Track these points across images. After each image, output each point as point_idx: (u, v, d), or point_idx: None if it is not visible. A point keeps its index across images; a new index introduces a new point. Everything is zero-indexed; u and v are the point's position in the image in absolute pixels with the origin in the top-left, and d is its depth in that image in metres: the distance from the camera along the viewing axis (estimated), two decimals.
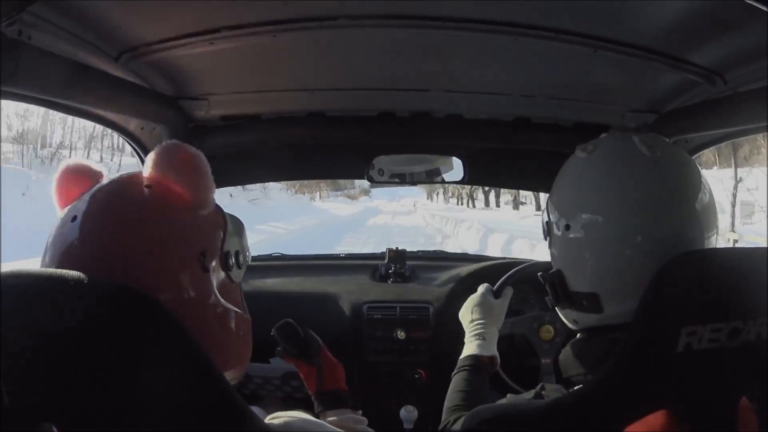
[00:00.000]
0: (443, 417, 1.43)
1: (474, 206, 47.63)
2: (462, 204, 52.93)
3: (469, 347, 1.57)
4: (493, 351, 1.57)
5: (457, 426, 1.33)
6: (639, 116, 1.93)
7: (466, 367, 1.52)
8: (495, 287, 1.75)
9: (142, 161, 1.92)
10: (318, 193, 53.37)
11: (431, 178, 2.47)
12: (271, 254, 2.83)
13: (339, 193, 62.79)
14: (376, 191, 60.66)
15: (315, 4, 1.35)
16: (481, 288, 1.72)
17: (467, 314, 1.66)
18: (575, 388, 1.03)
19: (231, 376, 0.95)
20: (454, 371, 1.53)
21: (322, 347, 1.55)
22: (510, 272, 1.85)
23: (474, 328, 1.61)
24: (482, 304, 1.66)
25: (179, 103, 1.86)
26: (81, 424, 0.68)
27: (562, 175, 1.15)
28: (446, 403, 1.46)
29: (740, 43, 1.37)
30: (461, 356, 1.56)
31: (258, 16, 1.39)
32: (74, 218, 0.84)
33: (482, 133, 2.15)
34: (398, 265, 2.55)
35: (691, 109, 1.71)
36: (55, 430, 0.72)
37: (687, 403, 0.87)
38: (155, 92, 1.74)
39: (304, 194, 45.52)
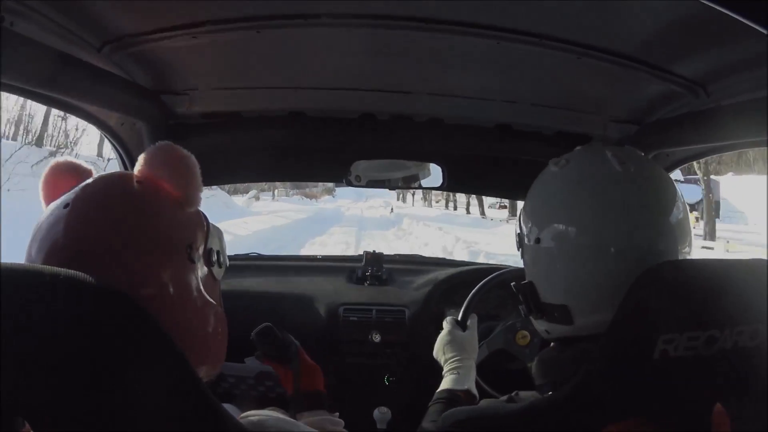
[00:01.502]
0: None
1: (483, 214, 31.61)
2: (453, 208, 39.90)
3: (445, 382, 1.59)
4: (468, 385, 1.58)
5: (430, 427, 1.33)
6: (621, 127, 1.94)
7: (441, 400, 1.52)
8: (459, 317, 1.77)
9: (122, 158, 1.91)
10: (274, 190, 47.75)
11: (409, 183, 2.48)
12: (248, 254, 2.82)
13: (296, 191, 53.89)
14: (342, 190, 47.99)
15: (299, 1, 1.36)
16: (447, 324, 1.73)
17: (440, 354, 1.68)
18: (548, 393, 1.03)
19: (206, 372, 0.96)
20: (430, 402, 1.54)
21: (299, 349, 1.56)
22: (468, 298, 1.86)
23: (450, 364, 1.63)
24: (452, 341, 1.67)
25: (161, 98, 1.85)
26: (52, 423, 0.68)
27: (535, 188, 1.16)
28: None
29: (723, 56, 1.38)
30: (438, 389, 1.58)
31: (242, 11, 1.39)
32: (66, 205, 0.85)
33: (463, 140, 2.15)
34: (375, 267, 2.56)
35: (673, 121, 1.72)
36: (27, 426, 0.71)
37: (663, 408, 0.88)
38: (137, 86, 1.73)
39: (232, 194, 32.04)
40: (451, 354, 1.65)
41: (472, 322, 1.75)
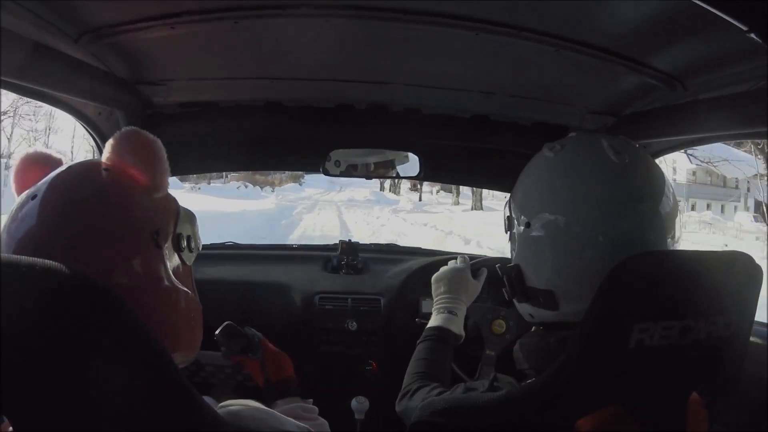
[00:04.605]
0: (405, 382, 1.43)
1: None
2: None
3: (439, 318, 1.58)
4: (461, 330, 1.58)
5: (417, 398, 1.33)
6: (598, 118, 1.96)
7: (433, 337, 1.52)
8: (471, 262, 1.77)
9: (99, 147, 1.90)
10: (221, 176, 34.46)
11: (387, 169, 2.48)
12: (224, 243, 2.81)
13: (237, 174, 34.25)
14: (312, 177, 39.66)
15: None
16: (463, 262, 1.72)
17: (441, 283, 1.67)
18: (527, 381, 1.04)
19: (181, 358, 0.96)
20: (420, 339, 1.54)
21: (262, 339, 1.57)
22: (485, 258, 1.88)
23: (445, 301, 1.62)
24: (460, 279, 1.66)
25: (138, 87, 1.84)
26: (32, 415, 0.68)
27: (527, 173, 1.16)
28: (409, 369, 1.47)
29: (702, 51, 1.40)
30: (428, 325, 1.57)
31: (220, 1, 1.38)
32: (34, 196, 0.85)
33: (440, 130, 2.16)
34: (350, 256, 2.56)
35: (650, 113, 1.74)
36: (6, 421, 0.71)
37: (638, 397, 0.90)
38: (114, 76, 1.72)
39: None
40: (452, 290, 1.64)
41: (483, 275, 1.75)
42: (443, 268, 1.71)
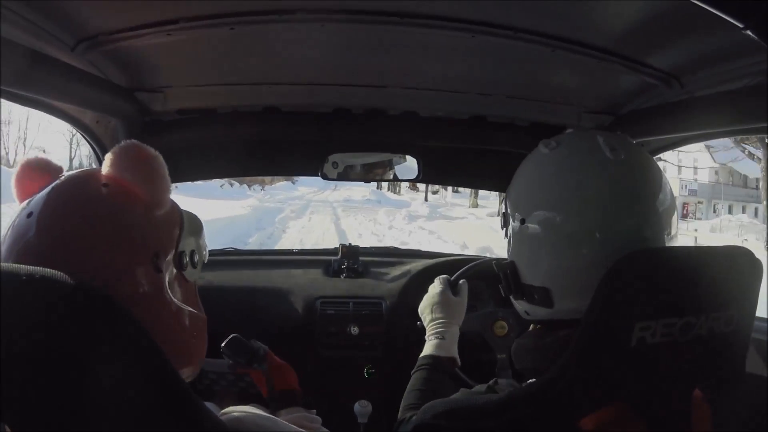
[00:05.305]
0: (399, 414, 1.43)
1: None
2: None
3: (429, 346, 1.58)
4: (452, 352, 1.58)
5: (411, 423, 1.33)
6: (596, 117, 1.96)
7: (425, 366, 1.52)
8: (452, 278, 1.76)
9: (98, 155, 1.90)
10: None
11: (385, 169, 2.48)
12: (224, 249, 2.81)
13: None
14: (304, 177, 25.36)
15: None
16: (440, 284, 1.72)
17: (427, 312, 1.67)
18: (528, 381, 1.03)
19: (186, 374, 0.95)
20: (414, 369, 1.54)
21: (267, 352, 1.57)
22: (466, 267, 1.86)
23: (434, 327, 1.62)
24: (442, 303, 1.66)
25: (136, 95, 1.84)
26: (33, 423, 0.67)
27: (523, 169, 1.15)
28: (403, 401, 1.47)
29: (698, 48, 1.40)
30: (421, 355, 1.57)
31: (217, 8, 1.38)
32: (30, 214, 0.84)
33: (437, 132, 2.16)
34: (351, 260, 2.56)
35: (648, 111, 1.74)
36: (7, 429, 0.71)
37: (641, 395, 0.90)
38: (112, 84, 1.71)
39: None
40: (438, 316, 1.64)
41: (463, 288, 1.74)
42: (425, 297, 1.72)
